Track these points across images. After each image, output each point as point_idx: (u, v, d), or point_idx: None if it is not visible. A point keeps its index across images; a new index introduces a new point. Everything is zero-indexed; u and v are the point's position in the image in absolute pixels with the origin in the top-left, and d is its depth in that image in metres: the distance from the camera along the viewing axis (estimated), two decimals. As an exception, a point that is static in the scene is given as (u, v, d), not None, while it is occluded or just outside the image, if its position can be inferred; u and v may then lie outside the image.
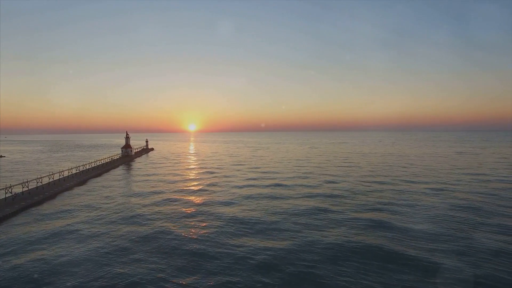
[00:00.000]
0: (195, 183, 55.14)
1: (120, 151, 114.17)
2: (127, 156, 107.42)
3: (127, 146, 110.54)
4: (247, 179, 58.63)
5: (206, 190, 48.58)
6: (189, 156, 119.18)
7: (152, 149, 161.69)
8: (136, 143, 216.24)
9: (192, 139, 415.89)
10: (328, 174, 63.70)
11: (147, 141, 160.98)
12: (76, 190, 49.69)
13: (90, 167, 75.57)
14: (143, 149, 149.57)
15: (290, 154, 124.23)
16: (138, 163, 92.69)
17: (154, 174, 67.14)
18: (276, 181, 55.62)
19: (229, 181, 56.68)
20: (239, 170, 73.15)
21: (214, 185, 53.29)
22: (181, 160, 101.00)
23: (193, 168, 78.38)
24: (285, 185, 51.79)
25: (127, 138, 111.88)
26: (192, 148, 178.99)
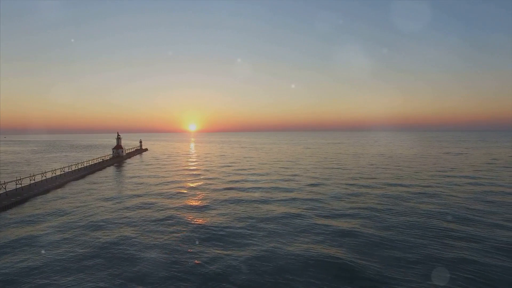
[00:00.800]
0: (176, 186, 54.81)
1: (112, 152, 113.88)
2: (118, 157, 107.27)
3: (118, 147, 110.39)
4: (229, 182, 58.30)
5: (184, 194, 48.28)
6: (180, 157, 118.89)
7: (146, 149, 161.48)
8: (134, 143, 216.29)
9: (190, 139, 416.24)
10: (312, 177, 63.33)
11: (141, 142, 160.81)
12: (53, 193, 49.37)
13: (76, 168, 75.43)
14: (136, 150, 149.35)
15: (281, 155, 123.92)
16: (127, 165, 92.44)
17: (137, 176, 66.83)
18: (258, 184, 55.29)
19: (210, 184, 56.38)
20: (224, 171, 72.86)
21: (194, 188, 52.99)
22: (170, 162, 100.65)
23: (179, 170, 78.03)
24: (265, 188, 51.43)
25: (119, 139, 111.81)
26: (186, 149, 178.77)
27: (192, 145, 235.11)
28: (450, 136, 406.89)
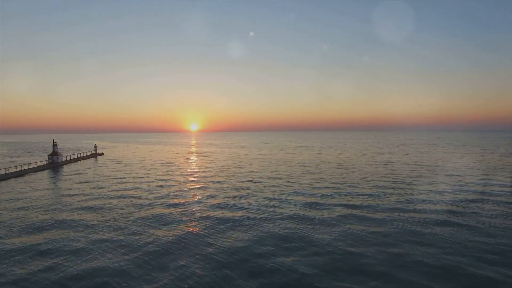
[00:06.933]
0: (77, 204, 52.73)
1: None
2: (53, 163, 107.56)
3: (53, 153, 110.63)
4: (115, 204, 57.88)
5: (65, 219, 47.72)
6: (121, 165, 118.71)
7: (102, 154, 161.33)
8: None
9: (179, 141, 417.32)
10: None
11: (95, 146, 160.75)
12: None
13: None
14: (91, 154, 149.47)
15: (210, 161, 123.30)
16: (55, 173, 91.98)
17: (47, 192, 65.91)
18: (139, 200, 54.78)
19: (98, 200, 55.93)
20: (122, 185, 72.39)
21: (84, 208, 52.43)
22: (113, 169, 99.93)
23: (107, 176, 76.99)
24: (140, 202, 50.90)
25: (54, 145, 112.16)
26: (146, 153, 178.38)
27: (162, 148, 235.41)
28: (433, 136, 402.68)
